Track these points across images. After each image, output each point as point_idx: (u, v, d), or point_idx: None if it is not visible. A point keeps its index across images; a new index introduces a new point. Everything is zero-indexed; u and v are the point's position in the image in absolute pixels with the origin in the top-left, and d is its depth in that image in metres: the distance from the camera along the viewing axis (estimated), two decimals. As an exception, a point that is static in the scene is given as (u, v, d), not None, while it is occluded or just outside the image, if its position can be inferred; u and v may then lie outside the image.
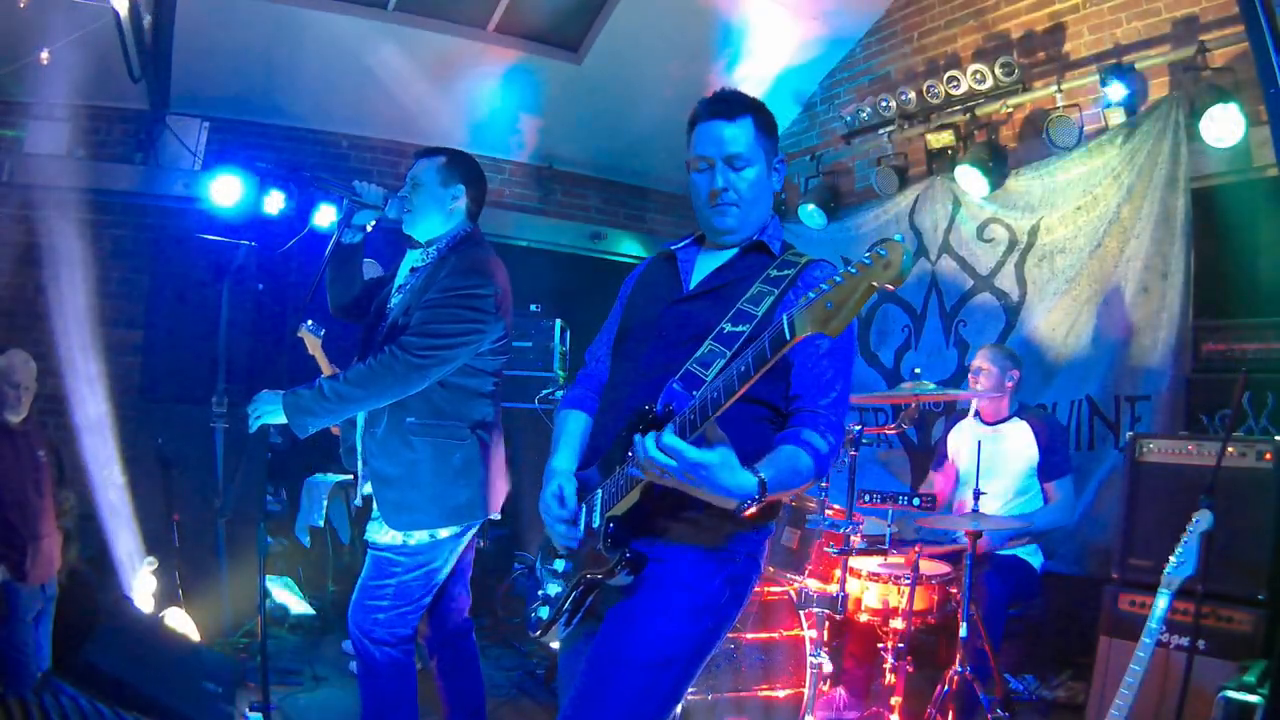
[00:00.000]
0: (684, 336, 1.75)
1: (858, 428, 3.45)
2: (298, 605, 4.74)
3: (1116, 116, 4.16)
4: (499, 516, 2.75)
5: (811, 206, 5.53)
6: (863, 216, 5.45)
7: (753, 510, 1.54)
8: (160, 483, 4.30)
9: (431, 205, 2.68)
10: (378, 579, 2.55)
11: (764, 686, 3.06)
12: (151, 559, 3.98)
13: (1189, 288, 3.84)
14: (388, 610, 2.54)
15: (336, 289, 2.85)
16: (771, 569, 3.41)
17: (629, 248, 6.61)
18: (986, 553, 3.45)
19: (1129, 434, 3.35)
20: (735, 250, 1.87)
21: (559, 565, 1.82)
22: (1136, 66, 4.04)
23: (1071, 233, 4.31)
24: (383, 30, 5.07)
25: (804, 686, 3.08)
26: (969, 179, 4.61)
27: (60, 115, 4.95)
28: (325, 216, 4.92)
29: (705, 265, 1.89)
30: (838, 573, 3.23)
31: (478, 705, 2.76)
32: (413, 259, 2.74)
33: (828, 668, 3.17)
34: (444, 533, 2.56)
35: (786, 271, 1.76)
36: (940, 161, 4.94)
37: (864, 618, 3.35)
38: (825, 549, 3.36)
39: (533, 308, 5.25)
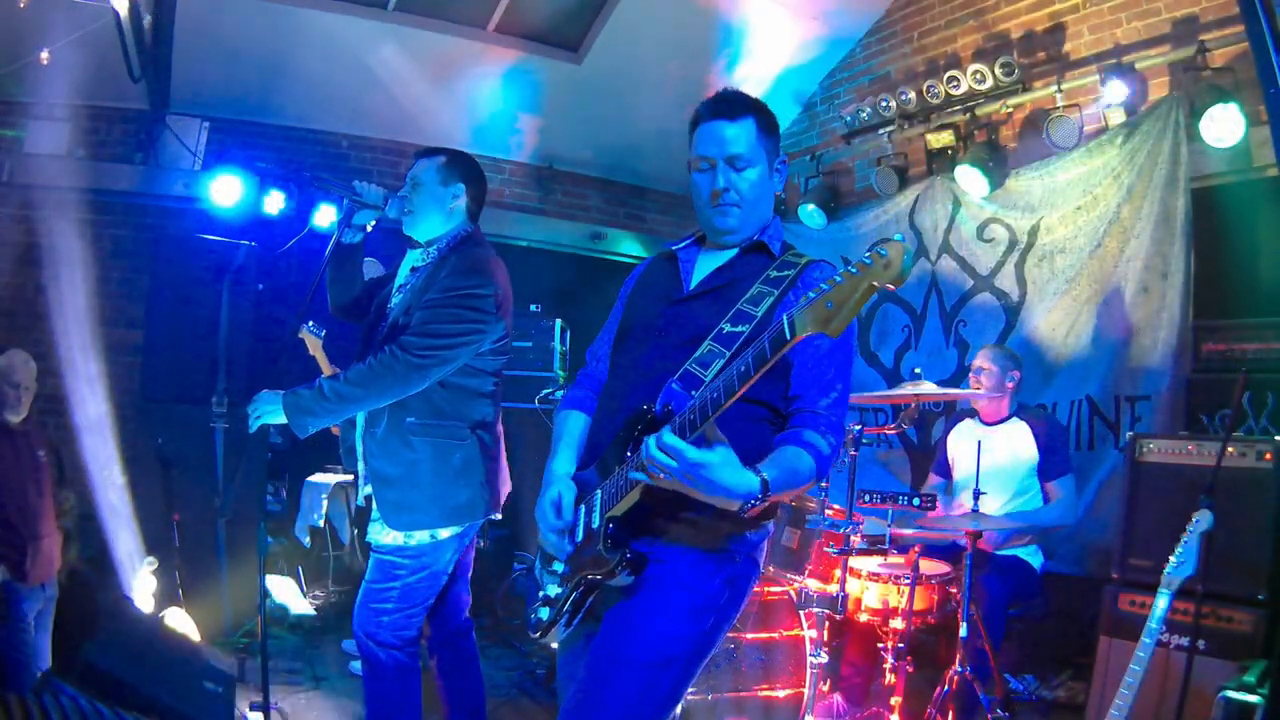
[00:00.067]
0: (683, 337, 1.75)
1: (858, 428, 3.45)
2: (298, 605, 4.74)
3: (1116, 116, 4.16)
4: (499, 516, 2.75)
5: (811, 206, 5.53)
6: (863, 216, 5.45)
7: (755, 510, 1.54)
8: (160, 483, 4.29)
9: (431, 205, 2.68)
10: (381, 582, 2.55)
11: (764, 686, 3.06)
12: (151, 559, 3.98)
13: (1189, 288, 3.84)
14: (392, 613, 2.54)
15: (337, 289, 2.85)
16: (771, 569, 3.41)
17: (629, 248, 6.61)
18: (987, 552, 3.45)
19: (1129, 434, 3.35)
20: (735, 250, 1.87)
21: (558, 566, 1.82)
22: (1136, 66, 4.04)
23: (1071, 233, 4.32)
24: (383, 30, 5.08)
25: (804, 686, 3.08)
26: (969, 179, 4.61)
27: (60, 115, 4.95)
28: (325, 216, 4.93)
29: (706, 265, 1.89)
30: (838, 573, 3.22)
31: (478, 705, 2.76)
32: (413, 259, 2.73)
33: (828, 666, 3.17)
34: (444, 533, 2.56)
35: (786, 272, 1.76)
36: (940, 161, 4.94)
37: (864, 618, 3.34)
38: (825, 549, 3.36)
39: (533, 308, 5.25)
